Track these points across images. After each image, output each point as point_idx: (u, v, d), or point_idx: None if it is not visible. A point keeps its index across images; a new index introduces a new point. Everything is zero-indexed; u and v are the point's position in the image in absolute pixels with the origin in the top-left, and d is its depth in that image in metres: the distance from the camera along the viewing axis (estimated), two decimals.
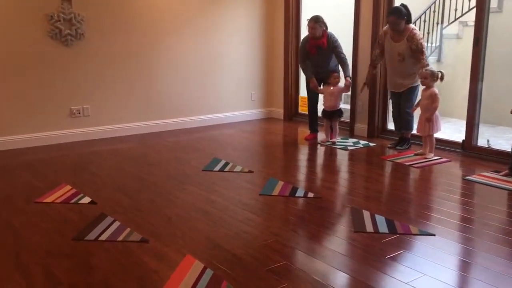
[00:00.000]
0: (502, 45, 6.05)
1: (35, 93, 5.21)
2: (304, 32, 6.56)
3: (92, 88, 5.55)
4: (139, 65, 5.83)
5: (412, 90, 4.97)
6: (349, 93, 5.63)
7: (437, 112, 4.63)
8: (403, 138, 5.14)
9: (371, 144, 5.33)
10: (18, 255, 2.71)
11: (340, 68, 5.34)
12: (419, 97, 4.88)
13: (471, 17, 6.89)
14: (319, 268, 2.55)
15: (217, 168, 4.42)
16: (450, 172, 4.31)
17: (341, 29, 5.79)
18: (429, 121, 4.60)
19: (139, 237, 2.92)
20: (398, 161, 4.65)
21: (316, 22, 5.15)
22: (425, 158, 4.67)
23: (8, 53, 4.99)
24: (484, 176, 4.11)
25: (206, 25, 6.26)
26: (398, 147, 5.08)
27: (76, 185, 3.91)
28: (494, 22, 4.85)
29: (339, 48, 5.25)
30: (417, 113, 4.90)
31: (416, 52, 4.77)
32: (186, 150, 5.16)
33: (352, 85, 5.52)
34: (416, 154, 4.80)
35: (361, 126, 5.78)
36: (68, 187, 3.87)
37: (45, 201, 3.58)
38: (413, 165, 4.48)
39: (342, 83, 5.34)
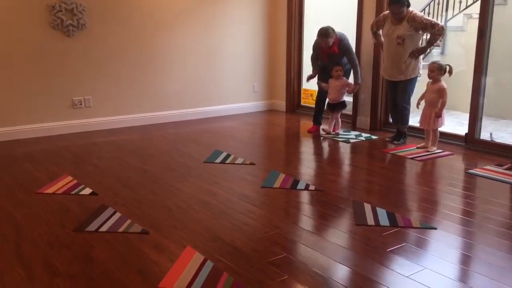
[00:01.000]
0: (506, 38, 5.99)
1: (36, 84, 5.19)
2: (307, 24, 6.54)
3: (94, 79, 5.53)
4: (141, 56, 5.80)
5: (409, 82, 4.91)
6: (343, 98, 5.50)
7: None
8: (399, 132, 5.10)
9: (373, 137, 5.31)
10: (18, 246, 2.71)
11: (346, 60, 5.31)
12: (418, 90, 4.84)
13: (475, 9, 6.85)
14: (320, 260, 2.55)
15: (219, 160, 4.41)
16: (452, 166, 4.29)
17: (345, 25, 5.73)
18: (438, 116, 4.55)
19: (140, 229, 2.92)
20: (401, 154, 4.63)
21: (327, 37, 5.07)
22: (428, 151, 4.65)
23: (9, 44, 4.97)
24: (487, 170, 4.09)
25: (209, 16, 6.22)
26: (395, 142, 5.03)
27: (77, 176, 3.91)
28: (499, 14, 4.80)
29: (351, 54, 5.25)
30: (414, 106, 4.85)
31: (426, 27, 4.68)
32: (188, 142, 5.15)
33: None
34: (418, 147, 4.78)
35: (364, 119, 5.76)
36: (69, 178, 3.87)
37: (46, 192, 3.57)
38: (415, 158, 4.46)
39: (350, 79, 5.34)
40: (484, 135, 4.94)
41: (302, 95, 6.81)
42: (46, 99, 5.28)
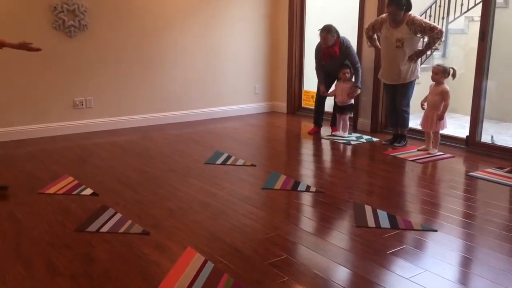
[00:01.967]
0: (508, 41, 5.99)
1: (37, 84, 5.20)
2: (308, 26, 6.55)
3: (95, 79, 5.54)
4: (142, 57, 5.81)
5: (409, 85, 4.91)
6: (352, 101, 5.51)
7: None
8: (399, 135, 5.08)
9: (374, 139, 5.31)
10: (19, 246, 2.72)
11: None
12: (419, 92, 4.83)
13: (477, 12, 6.86)
14: (321, 262, 2.55)
15: (219, 161, 4.41)
16: (453, 168, 4.29)
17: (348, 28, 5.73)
18: (441, 119, 4.56)
19: (140, 229, 2.92)
20: (401, 156, 4.63)
21: (328, 32, 5.13)
22: (429, 154, 4.65)
23: None
24: (488, 173, 4.09)
25: (209, 17, 6.23)
26: (396, 144, 5.02)
27: (79, 177, 3.91)
28: (500, 17, 4.80)
29: (352, 57, 5.27)
30: (418, 107, 4.85)
31: (425, 31, 4.67)
32: (189, 142, 5.15)
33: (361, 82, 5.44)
34: (419, 150, 4.78)
35: (365, 121, 5.76)
36: (71, 178, 3.88)
37: (47, 192, 3.58)
38: (416, 161, 4.46)
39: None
40: (485, 138, 4.93)
41: (303, 97, 6.81)
42: (48, 100, 5.29)
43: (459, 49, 7.21)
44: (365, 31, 5.18)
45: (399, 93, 4.94)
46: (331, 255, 2.62)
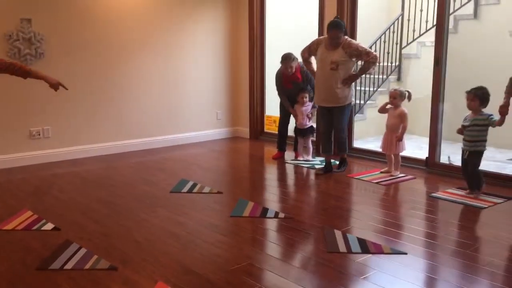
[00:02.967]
0: (459, 65, 6.27)
1: None
2: (269, 51, 6.64)
3: (53, 108, 5.38)
4: (101, 84, 5.71)
5: (346, 108, 4.89)
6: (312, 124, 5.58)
7: None
8: (340, 160, 5.07)
9: (338, 163, 5.37)
10: None
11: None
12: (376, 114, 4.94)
13: (428, 37, 7.18)
14: None
15: (185, 189, 4.34)
16: (416, 189, 4.40)
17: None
18: (400, 140, 4.69)
19: (108, 265, 2.81)
20: (365, 179, 4.71)
21: (292, 60, 5.18)
22: (391, 176, 4.76)
23: None
24: (448, 193, 4.21)
25: (170, 45, 6.21)
26: (336, 170, 4.97)
27: (38, 211, 3.75)
28: (452, 42, 5.01)
29: (312, 80, 5.26)
30: (378, 129, 4.98)
31: (360, 55, 4.68)
32: (152, 171, 5.06)
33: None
34: (382, 172, 4.88)
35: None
36: (29, 213, 3.71)
37: (4, 228, 3.40)
38: (380, 183, 4.55)
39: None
40: (444, 159, 5.10)
41: (266, 122, 6.86)
42: (2, 130, 5.08)
43: (413, 73, 7.48)
44: (301, 54, 5.08)
45: (336, 116, 4.89)
46: (306, 283, 2.60)
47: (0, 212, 3.75)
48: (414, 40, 7.31)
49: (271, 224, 3.54)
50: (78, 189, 4.39)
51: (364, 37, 6.45)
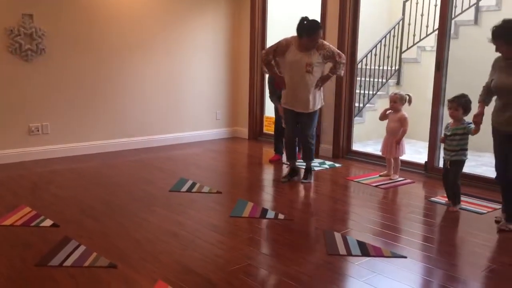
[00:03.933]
0: (460, 70, 6.29)
1: None
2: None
3: (52, 104, 5.35)
4: (101, 82, 5.69)
5: (314, 114, 4.61)
6: None
7: None
8: (306, 168, 4.79)
9: (337, 165, 5.38)
10: None
11: None
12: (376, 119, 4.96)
13: (428, 42, 7.20)
14: None
15: (184, 188, 4.33)
16: (415, 193, 4.41)
17: None
18: (398, 143, 4.70)
19: (107, 262, 2.80)
20: (364, 182, 4.71)
21: None
22: (390, 179, 4.76)
23: None
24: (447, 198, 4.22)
25: (171, 43, 6.20)
26: (303, 180, 4.72)
27: (36, 207, 3.73)
28: (450, 48, 5.01)
29: None
30: (376, 133, 4.99)
31: (333, 56, 4.46)
32: (151, 170, 5.04)
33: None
34: (381, 175, 4.89)
35: (326, 147, 5.84)
36: (28, 209, 3.69)
37: (3, 224, 3.38)
38: (379, 186, 4.56)
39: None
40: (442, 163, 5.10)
41: (265, 123, 6.85)
42: (0, 126, 5.05)
43: (413, 77, 7.50)
44: (263, 56, 4.62)
45: (305, 122, 4.62)
46: (306, 285, 2.60)
47: None
48: (414, 44, 7.34)
49: (271, 225, 3.53)
50: (77, 187, 4.37)
51: (365, 40, 6.48)
